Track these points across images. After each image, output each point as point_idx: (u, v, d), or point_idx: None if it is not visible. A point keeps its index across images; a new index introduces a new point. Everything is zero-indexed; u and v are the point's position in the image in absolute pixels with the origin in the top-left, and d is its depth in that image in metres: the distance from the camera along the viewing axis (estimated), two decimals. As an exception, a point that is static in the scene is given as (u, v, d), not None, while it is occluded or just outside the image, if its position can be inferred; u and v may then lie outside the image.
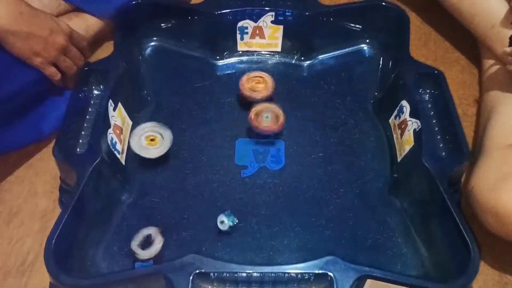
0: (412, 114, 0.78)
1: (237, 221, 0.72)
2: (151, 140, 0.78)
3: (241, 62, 0.95)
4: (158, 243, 0.68)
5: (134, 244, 0.68)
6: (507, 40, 0.81)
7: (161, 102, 0.88)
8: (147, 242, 0.69)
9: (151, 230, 0.70)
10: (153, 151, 0.78)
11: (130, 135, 0.79)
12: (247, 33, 0.93)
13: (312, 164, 0.81)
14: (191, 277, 0.60)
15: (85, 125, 0.78)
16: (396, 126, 0.82)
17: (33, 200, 0.79)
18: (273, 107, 0.82)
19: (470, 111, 0.89)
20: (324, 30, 0.93)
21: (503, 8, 0.84)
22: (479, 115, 0.86)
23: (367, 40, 0.96)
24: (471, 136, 0.87)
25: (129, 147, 0.81)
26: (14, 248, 0.74)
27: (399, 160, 0.79)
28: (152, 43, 0.95)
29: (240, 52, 0.95)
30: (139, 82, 0.89)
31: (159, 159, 0.79)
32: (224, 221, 0.72)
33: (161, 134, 0.79)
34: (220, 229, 0.72)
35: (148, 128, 0.79)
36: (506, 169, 0.69)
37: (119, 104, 0.80)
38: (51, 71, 0.78)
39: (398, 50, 0.88)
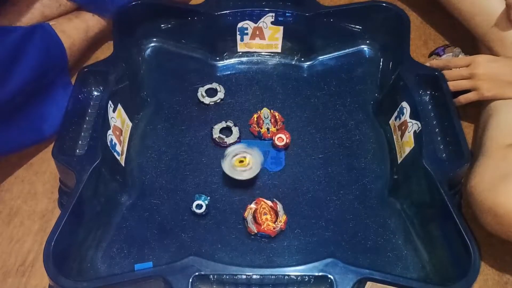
0: (412, 116, 0.78)
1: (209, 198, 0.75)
2: (240, 162, 0.77)
3: (241, 63, 0.95)
4: (235, 131, 0.82)
5: (216, 134, 0.80)
6: (508, 40, 0.80)
7: (161, 103, 0.88)
8: (227, 131, 0.83)
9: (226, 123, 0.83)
10: (245, 173, 0.77)
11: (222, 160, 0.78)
12: (247, 34, 0.93)
13: (312, 166, 0.81)
14: (190, 279, 0.60)
15: (85, 126, 0.77)
16: (397, 127, 0.82)
17: (33, 200, 0.79)
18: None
19: (470, 111, 0.89)
20: (324, 31, 0.93)
21: (503, 7, 0.84)
22: (479, 115, 0.85)
23: (367, 41, 0.96)
24: (471, 136, 0.87)
25: (128, 148, 0.81)
26: (14, 248, 0.74)
27: (399, 161, 0.79)
28: (152, 44, 0.95)
29: (240, 53, 0.95)
30: (139, 83, 0.89)
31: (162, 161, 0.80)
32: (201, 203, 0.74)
33: (250, 155, 0.78)
34: (198, 213, 0.74)
35: (237, 150, 0.79)
36: (506, 169, 0.69)
37: (119, 106, 0.80)
38: None
39: (398, 51, 0.87)
